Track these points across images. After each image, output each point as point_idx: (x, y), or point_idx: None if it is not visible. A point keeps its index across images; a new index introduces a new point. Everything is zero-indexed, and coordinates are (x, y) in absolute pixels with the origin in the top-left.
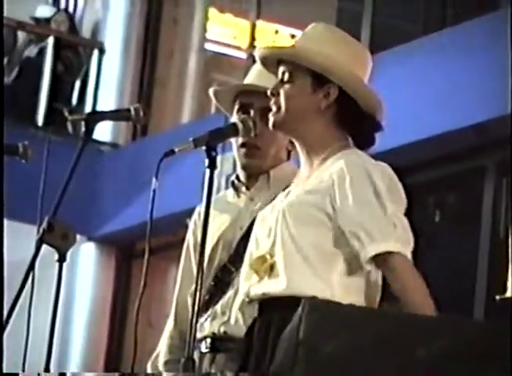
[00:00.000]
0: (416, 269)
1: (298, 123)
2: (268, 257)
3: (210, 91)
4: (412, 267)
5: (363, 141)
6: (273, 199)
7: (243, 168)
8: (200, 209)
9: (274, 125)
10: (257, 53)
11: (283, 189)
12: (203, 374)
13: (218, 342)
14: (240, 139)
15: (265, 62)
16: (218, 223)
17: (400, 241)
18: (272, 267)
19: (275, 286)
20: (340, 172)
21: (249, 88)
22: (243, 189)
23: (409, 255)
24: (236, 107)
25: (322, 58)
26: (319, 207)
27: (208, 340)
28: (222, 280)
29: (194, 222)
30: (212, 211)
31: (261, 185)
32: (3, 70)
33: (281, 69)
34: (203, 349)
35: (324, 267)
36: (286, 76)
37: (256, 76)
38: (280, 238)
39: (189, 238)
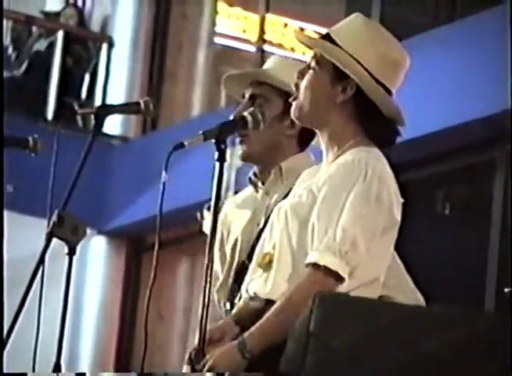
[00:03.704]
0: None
1: (315, 112)
2: (268, 256)
3: (224, 77)
4: (316, 289)
5: (381, 140)
6: (289, 191)
7: (240, 157)
8: (232, 198)
9: (295, 114)
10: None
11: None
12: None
13: None
14: None
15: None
16: (239, 220)
17: (340, 257)
18: (270, 267)
19: (263, 288)
20: (332, 170)
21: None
22: (260, 184)
23: (345, 275)
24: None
25: (344, 55)
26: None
27: None
28: (241, 276)
29: (225, 213)
30: (234, 208)
31: (275, 178)
32: (2, 67)
33: (313, 52)
34: None
35: None
36: (313, 63)
37: (272, 64)
38: (279, 239)
39: (221, 230)
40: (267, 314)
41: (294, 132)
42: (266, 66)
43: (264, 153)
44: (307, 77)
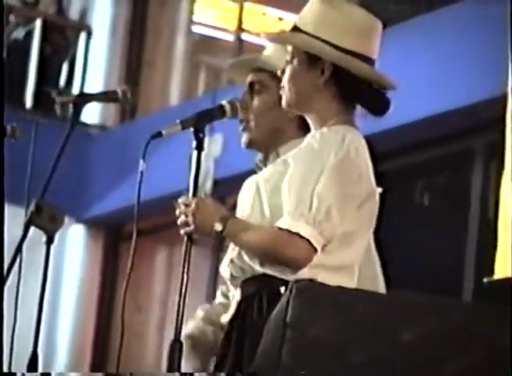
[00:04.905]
0: (291, 249)
1: (303, 101)
2: None
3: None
4: (290, 244)
5: (375, 108)
6: None
7: (244, 145)
8: (247, 181)
9: (285, 106)
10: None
11: None
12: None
13: None
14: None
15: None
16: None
17: (314, 227)
18: None
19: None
20: (308, 140)
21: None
22: (264, 169)
23: (318, 246)
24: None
25: (307, 38)
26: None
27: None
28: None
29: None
30: (242, 192)
31: (273, 163)
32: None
33: (288, 48)
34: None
35: None
36: (289, 57)
37: (269, 49)
38: (251, 204)
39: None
40: (254, 226)
41: (294, 116)
42: (265, 51)
43: (266, 139)
44: (287, 71)
